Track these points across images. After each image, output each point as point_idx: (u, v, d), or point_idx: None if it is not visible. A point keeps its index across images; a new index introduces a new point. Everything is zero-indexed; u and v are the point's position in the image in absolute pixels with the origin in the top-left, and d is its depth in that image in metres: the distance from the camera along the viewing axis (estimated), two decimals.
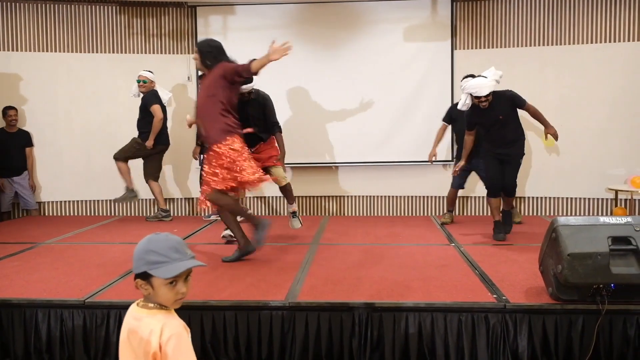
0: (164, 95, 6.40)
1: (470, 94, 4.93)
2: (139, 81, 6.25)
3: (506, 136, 5.05)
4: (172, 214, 6.82)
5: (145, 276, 1.80)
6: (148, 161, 6.41)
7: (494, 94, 4.93)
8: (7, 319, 3.44)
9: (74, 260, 4.54)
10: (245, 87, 4.92)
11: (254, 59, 4.19)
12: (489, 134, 5.12)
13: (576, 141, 6.63)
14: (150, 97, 6.26)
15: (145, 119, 6.26)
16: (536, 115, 5.06)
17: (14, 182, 6.75)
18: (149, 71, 6.34)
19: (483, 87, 4.84)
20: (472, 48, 6.89)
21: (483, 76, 4.93)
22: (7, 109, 6.68)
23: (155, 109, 6.20)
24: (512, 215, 5.63)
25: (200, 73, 5.82)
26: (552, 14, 6.72)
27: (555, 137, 5.00)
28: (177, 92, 7.05)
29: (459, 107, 5.17)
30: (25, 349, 3.43)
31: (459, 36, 6.92)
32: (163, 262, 1.79)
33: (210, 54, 4.38)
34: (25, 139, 6.77)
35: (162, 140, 6.38)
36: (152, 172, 6.44)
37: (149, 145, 6.22)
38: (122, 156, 6.28)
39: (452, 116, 6.06)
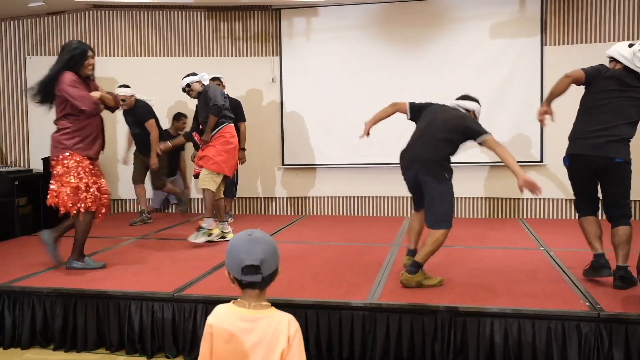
0: (149, 101, 6.36)
1: None
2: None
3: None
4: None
5: None
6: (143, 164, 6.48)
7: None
8: (103, 310, 3.65)
9: (164, 255, 4.74)
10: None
11: None
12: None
13: None
14: (141, 112, 6.22)
15: (144, 132, 6.24)
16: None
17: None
18: (126, 86, 6.23)
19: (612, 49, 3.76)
20: (563, 44, 6.58)
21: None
22: (180, 115, 7.00)
23: (151, 125, 6.20)
24: None
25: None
26: None
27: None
28: (261, 93, 7.22)
29: None
30: (120, 339, 3.62)
31: (549, 31, 6.63)
32: None
33: None
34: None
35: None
36: (144, 175, 6.52)
37: (154, 165, 6.20)
38: (158, 183, 6.45)
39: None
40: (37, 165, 6.88)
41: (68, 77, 4.09)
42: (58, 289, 3.75)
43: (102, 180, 4.35)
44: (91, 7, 7.15)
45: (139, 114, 6.24)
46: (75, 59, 4.15)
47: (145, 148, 6.29)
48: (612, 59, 3.79)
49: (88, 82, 4.30)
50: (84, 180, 4.14)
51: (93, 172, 4.25)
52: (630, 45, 3.69)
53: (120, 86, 6.21)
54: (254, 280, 1.82)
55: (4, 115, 7.21)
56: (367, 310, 3.33)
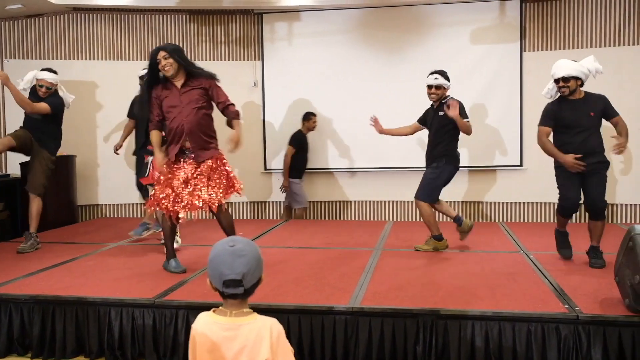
0: (68, 98, 5.49)
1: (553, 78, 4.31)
2: (41, 86, 5.19)
3: (593, 142, 4.23)
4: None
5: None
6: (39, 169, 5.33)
7: (587, 92, 4.31)
8: (82, 316, 3.60)
9: (145, 260, 4.70)
10: None
11: (237, 119, 4.24)
12: (571, 136, 4.23)
13: None
14: (55, 101, 5.27)
15: (52, 124, 5.32)
16: (622, 129, 4.23)
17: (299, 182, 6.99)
18: (53, 71, 5.28)
19: (562, 67, 4.22)
20: (542, 50, 6.68)
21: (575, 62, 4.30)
22: (309, 114, 6.88)
23: (43, 107, 5.16)
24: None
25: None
26: (627, 12, 6.43)
27: (619, 150, 4.19)
28: (243, 97, 7.20)
29: (542, 93, 4.50)
30: (99, 346, 3.57)
31: (528, 37, 6.72)
32: None
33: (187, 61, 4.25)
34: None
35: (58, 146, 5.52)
36: (42, 184, 5.34)
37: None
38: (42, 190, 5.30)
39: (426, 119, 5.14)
40: (14, 170, 6.78)
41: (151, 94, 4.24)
42: (36, 295, 3.69)
43: (178, 182, 4.16)
44: (71, 10, 7.08)
45: (52, 102, 5.25)
46: (151, 67, 4.15)
47: (47, 142, 5.33)
48: (574, 78, 4.21)
49: (192, 80, 4.19)
50: (171, 185, 4.16)
51: (172, 175, 4.16)
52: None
53: (47, 70, 5.28)
54: (236, 292, 1.82)
55: None
56: (349, 315, 3.33)
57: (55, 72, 5.30)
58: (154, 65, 4.13)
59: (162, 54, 4.09)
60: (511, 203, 6.90)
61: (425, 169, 5.05)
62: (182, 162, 4.20)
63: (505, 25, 6.73)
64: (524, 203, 6.84)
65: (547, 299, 3.44)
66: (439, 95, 4.87)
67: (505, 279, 3.94)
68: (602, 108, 4.26)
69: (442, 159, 4.88)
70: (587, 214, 4.41)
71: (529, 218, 6.86)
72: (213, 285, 1.86)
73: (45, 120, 5.25)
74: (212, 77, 4.26)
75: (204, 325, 1.85)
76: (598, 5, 6.53)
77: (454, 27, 6.80)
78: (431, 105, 5.06)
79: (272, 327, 1.83)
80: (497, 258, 4.66)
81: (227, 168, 4.25)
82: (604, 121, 4.30)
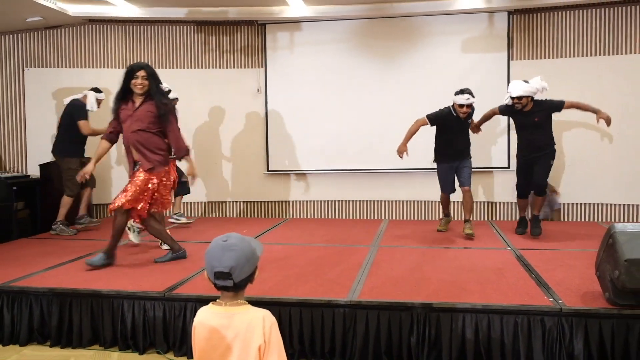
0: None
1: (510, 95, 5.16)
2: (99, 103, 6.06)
3: (538, 141, 5.17)
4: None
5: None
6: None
7: (535, 101, 5.12)
8: (97, 308, 3.63)
9: (155, 256, 4.71)
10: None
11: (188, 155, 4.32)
12: (522, 136, 5.30)
13: (635, 148, 6.32)
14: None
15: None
16: (580, 106, 5.19)
17: None
18: (100, 90, 6.14)
19: (516, 88, 5.03)
20: (528, 59, 6.70)
21: (526, 81, 5.06)
22: None
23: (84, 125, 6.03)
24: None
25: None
26: (609, 24, 6.44)
27: (608, 122, 5.12)
28: (247, 102, 7.23)
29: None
30: (113, 335, 3.60)
31: (515, 47, 6.74)
32: None
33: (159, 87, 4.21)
34: None
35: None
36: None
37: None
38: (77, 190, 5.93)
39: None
40: (34, 171, 6.80)
41: None
42: (54, 288, 3.72)
43: (131, 184, 4.34)
44: (86, 21, 7.10)
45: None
46: (127, 77, 4.15)
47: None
48: (525, 96, 5.02)
49: (150, 101, 4.16)
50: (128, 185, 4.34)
51: (132, 177, 4.37)
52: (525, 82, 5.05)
53: (99, 90, 6.12)
54: (226, 284, 1.84)
55: (3, 123, 7.12)
56: (347, 308, 3.35)
57: (101, 91, 6.12)
58: (129, 76, 4.11)
59: (142, 73, 4.08)
60: (500, 202, 6.92)
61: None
62: (136, 172, 4.31)
63: (494, 36, 6.75)
64: (511, 203, 6.85)
65: (533, 293, 3.46)
66: (469, 113, 5.33)
67: (494, 274, 3.96)
68: (547, 113, 5.15)
69: (470, 155, 5.65)
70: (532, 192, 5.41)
71: (517, 216, 6.86)
72: (209, 278, 1.89)
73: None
74: (166, 109, 4.19)
75: (202, 316, 1.89)
76: (580, 18, 6.55)
77: (445, 37, 6.81)
78: (449, 112, 5.37)
79: (264, 317, 1.84)
80: (486, 255, 4.68)
81: (163, 183, 4.31)
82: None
